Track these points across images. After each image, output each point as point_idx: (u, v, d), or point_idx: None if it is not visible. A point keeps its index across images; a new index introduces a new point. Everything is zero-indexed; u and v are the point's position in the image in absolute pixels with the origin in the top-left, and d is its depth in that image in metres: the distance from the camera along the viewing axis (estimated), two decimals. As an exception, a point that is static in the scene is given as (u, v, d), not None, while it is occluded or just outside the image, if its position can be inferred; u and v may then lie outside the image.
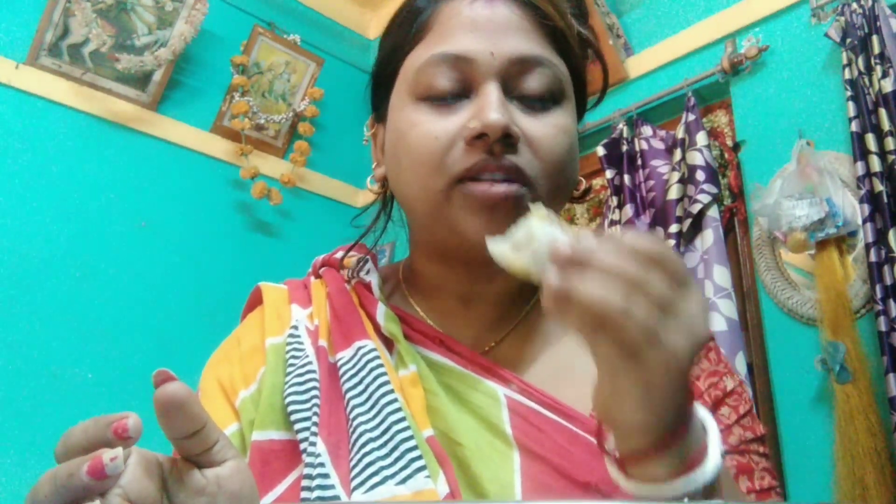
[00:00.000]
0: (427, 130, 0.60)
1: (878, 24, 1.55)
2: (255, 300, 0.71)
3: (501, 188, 0.57)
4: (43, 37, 2.11)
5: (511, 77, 0.60)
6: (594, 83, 0.71)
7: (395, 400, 0.58)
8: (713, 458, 0.44)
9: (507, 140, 0.57)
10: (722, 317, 1.65)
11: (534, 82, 0.60)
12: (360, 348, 0.62)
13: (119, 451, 0.35)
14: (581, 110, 0.69)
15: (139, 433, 0.37)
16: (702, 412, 0.47)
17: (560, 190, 0.62)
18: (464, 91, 0.60)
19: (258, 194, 2.43)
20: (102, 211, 2.18)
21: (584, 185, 0.68)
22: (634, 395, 0.43)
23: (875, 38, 1.55)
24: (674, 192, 1.83)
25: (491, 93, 0.58)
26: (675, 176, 1.84)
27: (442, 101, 0.60)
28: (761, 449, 0.63)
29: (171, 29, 2.28)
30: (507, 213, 0.56)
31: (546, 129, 0.60)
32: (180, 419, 0.38)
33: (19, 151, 2.07)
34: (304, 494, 0.54)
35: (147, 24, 2.26)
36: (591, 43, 0.68)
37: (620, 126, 2.00)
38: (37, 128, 2.12)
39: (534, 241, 0.46)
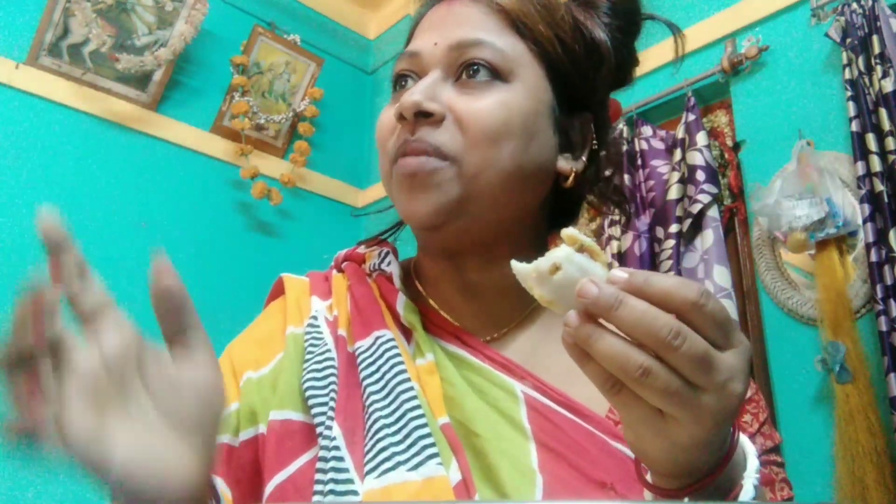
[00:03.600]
0: (381, 120, 0.66)
1: (878, 24, 1.55)
2: (278, 290, 0.73)
3: (413, 161, 0.60)
4: (43, 37, 2.11)
5: (452, 62, 0.63)
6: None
7: (411, 388, 0.58)
8: (746, 496, 0.43)
9: (427, 118, 0.60)
10: (722, 317, 1.65)
11: (473, 62, 0.62)
12: (378, 338, 0.63)
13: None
14: (575, 96, 0.67)
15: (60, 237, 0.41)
16: (744, 444, 0.46)
17: (493, 165, 0.60)
18: None
19: (258, 194, 2.43)
20: (102, 211, 2.18)
21: (569, 173, 0.67)
22: (659, 450, 0.43)
23: (875, 38, 1.55)
24: (674, 192, 1.83)
25: (425, 79, 0.62)
26: (675, 176, 1.84)
27: (400, 94, 0.65)
28: (779, 459, 0.63)
29: (171, 29, 2.28)
30: (424, 186, 0.60)
31: (478, 105, 0.61)
32: (164, 292, 0.43)
33: (19, 151, 2.07)
34: (318, 476, 0.54)
35: (147, 24, 2.27)
36: (591, 37, 0.67)
37: (620, 126, 1.99)
38: (37, 128, 2.12)
39: (558, 271, 0.42)
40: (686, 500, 0.44)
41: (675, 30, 0.76)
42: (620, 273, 0.41)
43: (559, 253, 0.43)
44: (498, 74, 0.62)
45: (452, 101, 0.61)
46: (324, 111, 2.69)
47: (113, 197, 2.22)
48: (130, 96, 2.29)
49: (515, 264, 0.45)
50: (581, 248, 0.43)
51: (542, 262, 0.43)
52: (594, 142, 0.69)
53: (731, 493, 0.44)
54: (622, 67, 0.72)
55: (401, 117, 0.61)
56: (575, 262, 0.42)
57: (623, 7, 0.71)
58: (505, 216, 0.64)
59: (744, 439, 0.46)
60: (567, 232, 0.44)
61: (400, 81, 0.66)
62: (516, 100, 0.62)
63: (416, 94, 0.60)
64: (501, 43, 0.63)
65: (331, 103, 2.72)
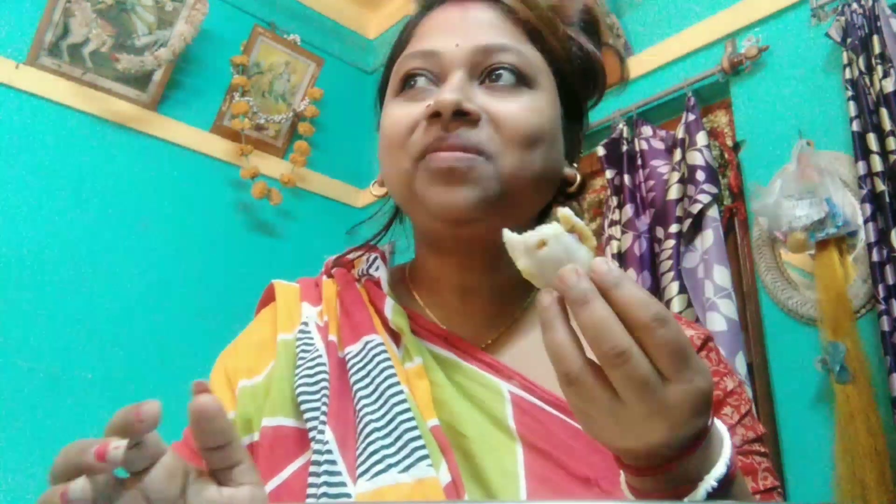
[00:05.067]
0: (397, 116, 0.64)
1: (878, 23, 1.55)
2: (269, 297, 0.74)
3: (452, 155, 0.59)
4: (43, 37, 2.11)
5: (478, 65, 0.64)
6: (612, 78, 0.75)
7: (401, 391, 0.59)
8: (700, 493, 0.43)
9: (464, 118, 0.60)
10: (722, 317, 1.64)
11: (499, 67, 0.63)
12: (367, 342, 0.63)
13: (123, 442, 0.37)
14: (576, 107, 0.71)
15: (154, 418, 0.38)
16: (717, 447, 0.45)
17: (529, 166, 0.62)
18: (435, 84, 0.65)
19: (258, 194, 2.43)
20: (102, 211, 2.18)
21: (577, 179, 0.70)
22: (597, 439, 0.45)
23: (875, 38, 1.55)
24: (674, 192, 1.83)
25: (452, 79, 0.62)
26: (675, 176, 1.84)
27: (413, 92, 0.65)
28: (762, 449, 0.63)
29: (171, 29, 2.28)
30: (462, 180, 0.59)
31: (511, 107, 0.62)
32: (207, 431, 0.40)
33: (19, 151, 2.07)
34: (311, 480, 0.55)
35: (147, 24, 2.27)
36: (586, 51, 0.71)
37: (620, 126, 2.00)
38: (37, 128, 2.12)
39: (544, 246, 0.44)
40: (686, 500, 0.44)
41: (622, 58, 0.80)
42: (602, 265, 0.42)
43: (548, 229, 0.44)
44: (523, 80, 0.63)
45: (484, 102, 0.62)
46: (324, 111, 2.68)
47: (113, 197, 2.21)
48: (130, 96, 2.29)
49: (507, 233, 0.46)
50: (572, 229, 0.45)
51: (531, 236, 0.45)
52: (579, 152, 0.73)
53: (685, 489, 0.44)
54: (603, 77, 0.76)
55: (434, 115, 0.60)
56: (562, 241, 0.44)
57: (590, 22, 0.74)
58: (528, 217, 0.66)
59: (723, 439, 0.45)
60: (562, 211, 0.45)
61: (410, 80, 0.66)
62: (543, 105, 0.64)
63: (454, 92, 0.60)
64: (524, 50, 0.65)
65: (331, 103, 2.72)
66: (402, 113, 0.64)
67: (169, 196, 2.33)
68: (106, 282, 2.13)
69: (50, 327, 2.00)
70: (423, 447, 0.55)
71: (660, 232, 1.85)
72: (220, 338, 0.72)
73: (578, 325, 0.41)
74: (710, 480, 0.43)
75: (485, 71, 0.63)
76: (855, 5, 1.61)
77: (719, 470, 0.44)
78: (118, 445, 0.37)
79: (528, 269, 0.45)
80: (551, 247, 0.44)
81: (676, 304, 1.73)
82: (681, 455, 0.43)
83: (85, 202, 2.16)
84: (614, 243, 1.91)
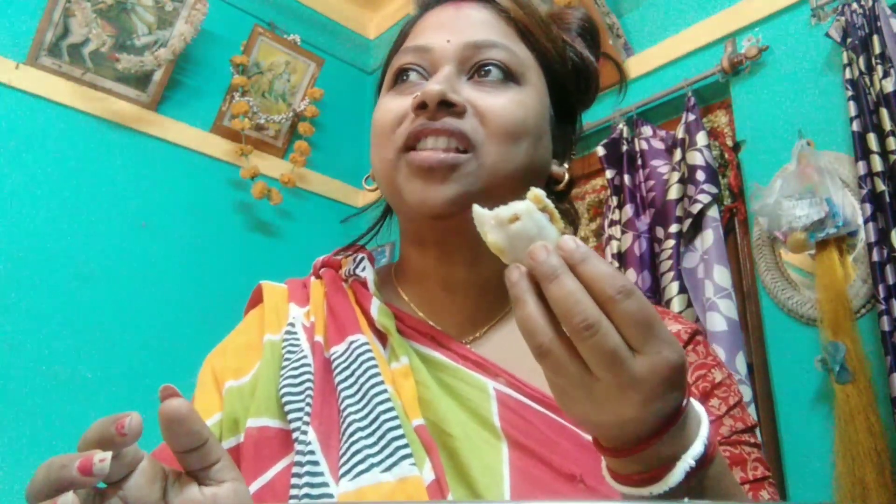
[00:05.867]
0: (386, 108, 0.66)
1: (878, 23, 1.55)
2: (257, 298, 0.74)
3: (437, 154, 0.60)
4: (43, 37, 2.11)
5: (467, 60, 0.65)
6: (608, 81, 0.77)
7: (385, 391, 0.59)
8: (678, 473, 0.43)
9: (449, 108, 0.61)
10: (722, 317, 1.64)
11: (488, 62, 0.65)
12: (352, 342, 0.64)
13: (108, 454, 0.37)
14: (567, 108, 0.72)
15: (137, 431, 0.39)
16: (695, 427, 0.45)
17: (511, 159, 0.63)
18: (427, 79, 0.66)
19: (258, 194, 2.43)
20: (102, 211, 2.18)
21: (565, 178, 0.71)
22: (573, 416, 0.45)
23: (875, 38, 1.55)
24: (674, 192, 1.83)
25: (441, 72, 0.64)
26: (675, 176, 1.84)
27: (404, 86, 0.66)
28: (752, 439, 0.63)
29: (171, 29, 2.28)
30: (443, 177, 0.60)
31: (497, 100, 0.63)
32: (181, 434, 0.40)
33: (19, 151, 2.07)
34: (294, 480, 0.55)
35: (147, 24, 2.27)
36: (581, 56, 0.73)
37: (620, 126, 2.00)
38: (37, 128, 2.12)
39: (517, 221, 0.44)
40: (686, 500, 0.44)
41: (620, 66, 0.82)
42: (569, 242, 0.43)
43: (520, 205, 0.45)
44: (511, 76, 0.65)
45: (471, 95, 0.63)
46: (324, 111, 2.69)
47: (113, 197, 2.22)
48: (130, 96, 2.29)
49: (476, 207, 0.46)
50: (543, 209, 0.45)
51: (504, 210, 0.45)
52: (572, 153, 0.74)
53: (663, 469, 0.44)
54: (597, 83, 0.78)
55: (421, 105, 0.62)
56: (534, 217, 0.44)
57: (588, 30, 0.76)
58: None
59: (701, 420, 0.45)
60: (534, 191, 0.46)
61: (402, 75, 0.67)
62: (530, 101, 0.65)
63: (439, 83, 0.61)
64: (515, 48, 0.66)
65: (331, 103, 2.72)
66: (391, 105, 0.65)
67: (169, 196, 2.33)
68: (106, 281, 2.13)
69: (50, 327, 2.00)
70: (406, 446, 0.55)
71: (660, 232, 1.85)
72: (219, 338, 0.72)
73: (549, 299, 0.41)
74: (688, 459, 0.43)
75: (474, 66, 0.65)
76: (855, 5, 1.61)
77: (697, 449, 0.44)
78: (103, 458, 0.37)
79: (497, 242, 0.45)
80: (524, 222, 0.44)
81: (676, 304, 1.73)
82: (656, 432, 0.43)
83: (85, 202, 2.16)
84: (614, 243, 1.91)
